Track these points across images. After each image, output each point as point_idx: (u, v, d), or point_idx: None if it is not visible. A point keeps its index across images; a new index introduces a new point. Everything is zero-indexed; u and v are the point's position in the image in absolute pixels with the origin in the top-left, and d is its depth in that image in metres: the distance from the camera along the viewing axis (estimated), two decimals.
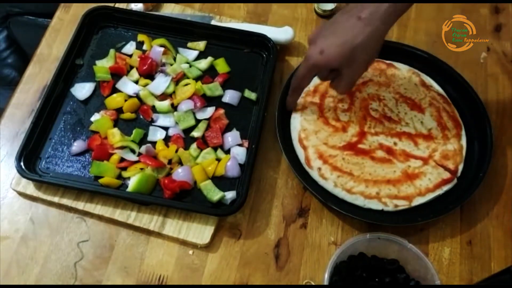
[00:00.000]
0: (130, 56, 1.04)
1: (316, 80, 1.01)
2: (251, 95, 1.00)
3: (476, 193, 0.90)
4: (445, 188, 0.91)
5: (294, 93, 0.95)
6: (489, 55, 1.11)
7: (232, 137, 0.95)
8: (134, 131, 0.94)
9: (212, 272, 0.85)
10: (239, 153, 0.93)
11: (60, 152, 0.93)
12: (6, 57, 1.53)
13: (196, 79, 1.01)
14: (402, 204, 0.89)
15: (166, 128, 0.96)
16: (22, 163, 0.89)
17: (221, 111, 0.98)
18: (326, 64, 0.85)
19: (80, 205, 0.88)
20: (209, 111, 0.97)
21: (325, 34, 0.84)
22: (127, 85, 0.99)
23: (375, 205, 0.89)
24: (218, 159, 0.92)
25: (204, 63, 1.03)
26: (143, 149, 0.92)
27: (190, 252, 0.87)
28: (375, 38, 0.81)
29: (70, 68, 1.01)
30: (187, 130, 0.96)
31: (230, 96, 0.99)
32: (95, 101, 0.99)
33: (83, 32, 1.04)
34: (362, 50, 0.81)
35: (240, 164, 0.92)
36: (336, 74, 0.88)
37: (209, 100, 0.99)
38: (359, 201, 0.89)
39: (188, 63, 1.03)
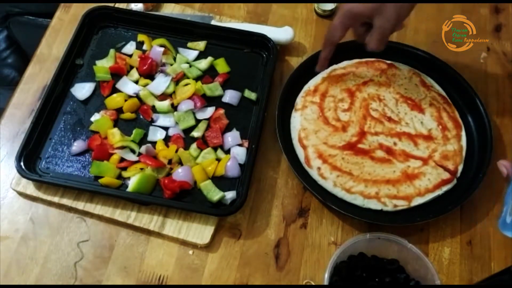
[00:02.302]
0: (130, 56, 1.04)
1: (316, 80, 1.01)
2: (251, 95, 1.00)
3: (476, 193, 0.90)
4: (445, 188, 0.91)
5: (326, 48, 0.94)
6: (489, 55, 1.11)
7: (232, 137, 0.95)
8: (134, 131, 0.94)
9: (212, 272, 0.85)
10: (239, 153, 0.93)
11: (60, 152, 0.93)
12: (6, 57, 1.54)
13: (196, 79, 1.01)
14: (401, 204, 0.89)
15: (166, 128, 0.96)
16: (22, 163, 0.89)
17: (221, 111, 0.97)
18: (358, 10, 0.85)
19: (80, 205, 0.88)
20: (209, 111, 0.97)
21: None
22: (127, 85, 0.99)
23: (374, 205, 0.89)
24: (218, 159, 0.92)
25: (204, 63, 1.03)
26: (143, 149, 0.92)
27: (190, 252, 0.87)
28: None
29: (70, 68, 1.01)
30: (187, 130, 0.96)
31: (230, 96, 0.99)
32: (95, 101, 0.99)
33: (83, 32, 1.04)
34: None
35: (240, 164, 0.92)
36: (368, 27, 0.88)
37: (209, 100, 0.99)
38: (358, 200, 0.89)
39: (188, 63, 1.03)
